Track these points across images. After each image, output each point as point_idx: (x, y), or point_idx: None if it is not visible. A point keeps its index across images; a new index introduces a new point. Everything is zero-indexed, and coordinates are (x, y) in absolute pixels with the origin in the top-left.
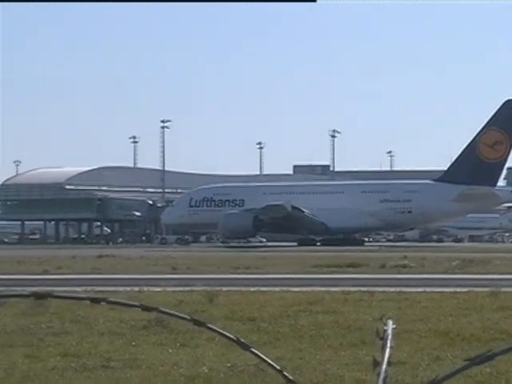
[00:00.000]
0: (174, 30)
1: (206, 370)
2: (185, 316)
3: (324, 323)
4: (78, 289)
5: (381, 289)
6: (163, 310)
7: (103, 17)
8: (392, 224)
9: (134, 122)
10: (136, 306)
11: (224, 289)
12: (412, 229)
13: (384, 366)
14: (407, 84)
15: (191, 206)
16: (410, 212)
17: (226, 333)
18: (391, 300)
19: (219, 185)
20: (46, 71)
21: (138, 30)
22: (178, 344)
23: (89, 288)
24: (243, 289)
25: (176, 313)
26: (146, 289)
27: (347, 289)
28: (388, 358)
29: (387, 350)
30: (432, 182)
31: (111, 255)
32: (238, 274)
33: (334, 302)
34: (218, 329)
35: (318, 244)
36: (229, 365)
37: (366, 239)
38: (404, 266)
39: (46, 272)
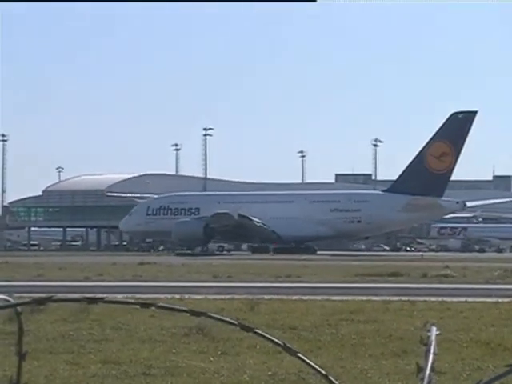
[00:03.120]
0: (205, 36)
1: (247, 378)
2: (233, 321)
3: (365, 332)
4: (119, 296)
5: (422, 298)
6: (212, 314)
7: (142, 23)
8: (342, 233)
9: (177, 130)
10: (185, 311)
11: (265, 297)
12: (367, 238)
13: (428, 372)
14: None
15: (148, 215)
16: (359, 222)
17: (273, 338)
18: (432, 309)
19: (175, 193)
20: (89, 79)
21: (182, 37)
22: (219, 352)
23: (130, 295)
24: (284, 297)
25: (224, 318)
26: (187, 296)
27: (388, 298)
28: (432, 364)
29: (431, 356)
30: (381, 193)
31: (152, 262)
32: (279, 282)
33: (375, 311)
34: (265, 334)
35: (271, 252)
36: (270, 373)
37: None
38: (446, 276)
39: (87, 279)
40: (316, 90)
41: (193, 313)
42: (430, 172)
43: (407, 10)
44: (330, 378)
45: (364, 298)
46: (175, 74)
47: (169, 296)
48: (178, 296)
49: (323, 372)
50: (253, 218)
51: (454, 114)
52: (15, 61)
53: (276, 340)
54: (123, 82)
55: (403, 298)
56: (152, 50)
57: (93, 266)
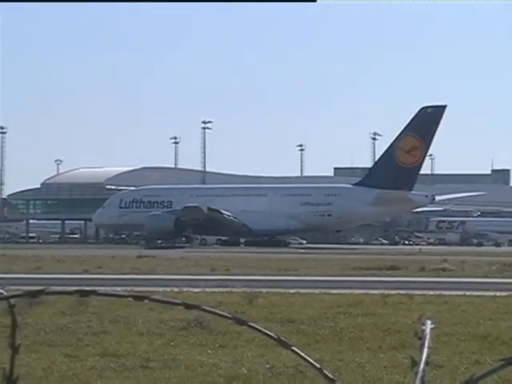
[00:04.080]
0: (205, 35)
1: (245, 371)
2: (226, 314)
3: (363, 326)
4: (118, 288)
5: (420, 292)
6: (205, 307)
7: (141, 19)
8: (313, 226)
9: (176, 123)
10: (178, 304)
11: (263, 290)
12: (338, 231)
13: (422, 366)
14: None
15: (121, 208)
16: (329, 215)
17: (267, 331)
18: (430, 303)
19: (148, 187)
20: (88, 72)
21: (182, 33)
22: (217, 345)
23: (128, 288)
24: (282, 290)
25: (218, 311)
26: (185, 289)
27: (386, 291)
28: (426, 358)
29: (425, 350)
30: (351, 186)
31: (151, 255)
32: (278, 275)
33: (373, 304)
34: (259, 327)
35: (242, 245)
36: (268, 366)
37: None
38: (444, 270)
39: (86, 271)
40: (315, 85)
41: (186, 306)
42: (399, 166)
43: (407, 10)
44: (325, 371)
45: (362, 291)
46: (174, 67)
47: (167, 289)
48: (176, 289)
49: (317, 365)
50: (223, 212)
51: (423, 108)
52: (14, 54)
53: (270, 333)
54: (122, 74)
55: (401, 292)
56: (151, 43)
57: (92, 258)
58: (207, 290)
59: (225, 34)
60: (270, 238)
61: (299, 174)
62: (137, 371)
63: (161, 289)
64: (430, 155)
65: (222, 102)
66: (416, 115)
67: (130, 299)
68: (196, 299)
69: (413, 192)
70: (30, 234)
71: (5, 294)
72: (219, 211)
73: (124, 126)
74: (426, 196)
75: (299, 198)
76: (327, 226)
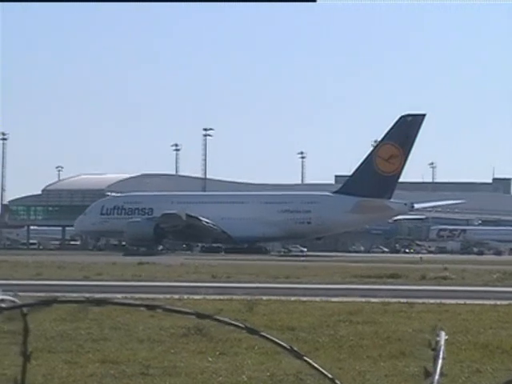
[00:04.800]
0: (205, 36)
1: (245, 379)
2: (239, 324)
3: (363, 334)
4: (119, 295)
5: (421, 300)
6: (217, 317)
7: (143, 23)
8: (293, 234)
9: (177, 130)
10: (191, 314)
11: (264, 298)
12: (319, 238)
13: (437, 377)
14: (445, 91)
15: (102, 214)
16: (309, 223)
17: (279, 341)
18: (431, 312)
19: (130, 194)
20: (89, 79)
21: (182, 38)
22: (218, 352)
23: (129, 295)
24: (283, 298)
25: (230, 321)
26: (186, 297)
27: (387, 300)
28: (440, 369)
29: (439, 361)
30: (331, 194)
31: (151, 262)
32: (278, 283)
33: (373, 312)
34: (271, 337)
35: (222, 253)
36: (268, 374)
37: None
38: (444, 278)
39: (86, 278)
40: (316, 91)
41: (199, 315)
42: (378, 174)
43: (409, 11)
44: (337, 382)
45: (363, 299)
46: (176, 73)
47: (167, 296)
48: (176, 296)
49: (330, 376)
50: (202, 219)
51: (402, 116)
52: (15, 60)
53: (283, 343)
54: (124, 81)
55: (402, 300)
56: (152, 50)
57: (92, 265)
58: (208, 297)
59: (224, 37)
60: (250, 245)
61: (300, 182)
62: (137, 378)
63: (161, 296)
64: (432, 163)
65: (223, 109)
66: (395, 123)
67: (143, 308)
68: (196, 306)
69: (392, 200)
70: (31, 241)
71: (18, 302)
72: (198, 218)
73: (125, 133)
74: (405, 204)
75: (279, 205)
76: (307, 233)
